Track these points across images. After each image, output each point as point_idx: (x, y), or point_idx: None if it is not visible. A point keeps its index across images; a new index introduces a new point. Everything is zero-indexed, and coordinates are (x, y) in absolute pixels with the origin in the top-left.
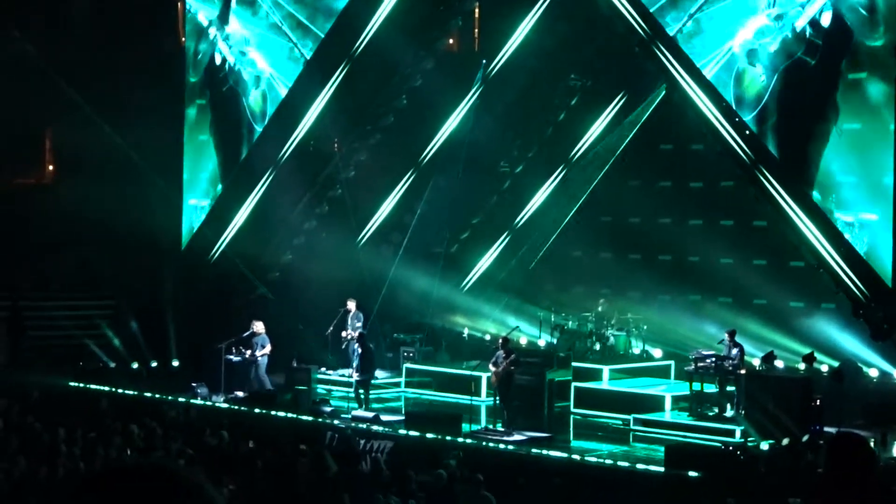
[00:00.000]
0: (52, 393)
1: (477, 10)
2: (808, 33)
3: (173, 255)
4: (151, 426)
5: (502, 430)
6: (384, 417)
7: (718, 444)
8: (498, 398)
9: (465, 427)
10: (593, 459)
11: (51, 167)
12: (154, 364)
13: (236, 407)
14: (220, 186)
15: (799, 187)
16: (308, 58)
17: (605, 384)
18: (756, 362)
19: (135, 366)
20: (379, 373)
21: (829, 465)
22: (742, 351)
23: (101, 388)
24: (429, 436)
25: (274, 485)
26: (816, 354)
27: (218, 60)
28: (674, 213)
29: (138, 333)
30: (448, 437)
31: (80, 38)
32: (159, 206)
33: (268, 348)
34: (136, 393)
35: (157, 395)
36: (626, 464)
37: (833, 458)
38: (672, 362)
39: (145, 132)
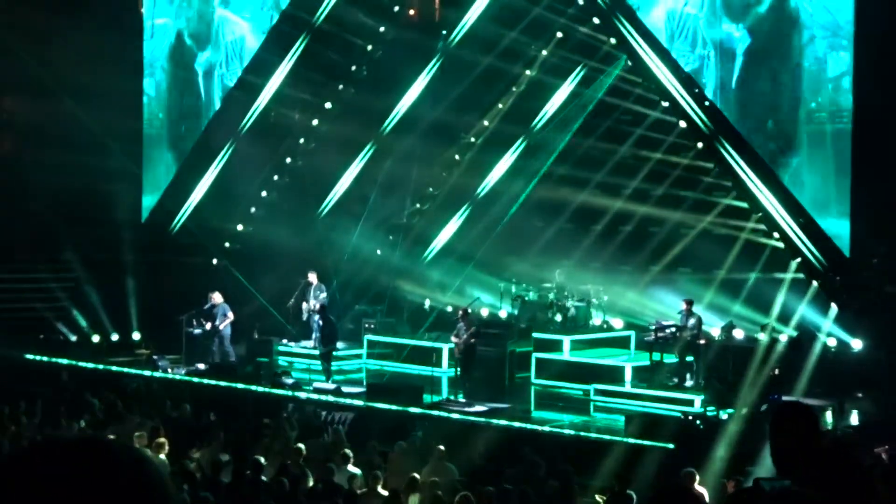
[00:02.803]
0: (13, 365)
1: None
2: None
3: (134, 228)
4: (112, 399)
5: (464, 401)
6: (345, 389)
7: (678, 414)
8: (459, 369)
9: (427, 398)
10: (552, 429)
11: (9, 138)
12: (115, 337)
13: (198, 379)
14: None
15: (757, 158)
16: (268, 28)
17: (565, 355)
18: (715, 332)
19: (95, 339)
20: (339, 344)
21: (772, 434)
22: (700, 321)
23: (62, 360)
24: (390, 407)
25: (236, 456)
26: (774, 325)
27: (178, 31)
28: (635, 184)
29: (99, 306)
30: (410, 409)
31: (38, 4)
32: (120, 179)
33: (230, 316)
34: (96, 365)
35: (118, 368)
36: (585, 432)
37: (775, 428)
38: (632, 333)
39: (105, 103)
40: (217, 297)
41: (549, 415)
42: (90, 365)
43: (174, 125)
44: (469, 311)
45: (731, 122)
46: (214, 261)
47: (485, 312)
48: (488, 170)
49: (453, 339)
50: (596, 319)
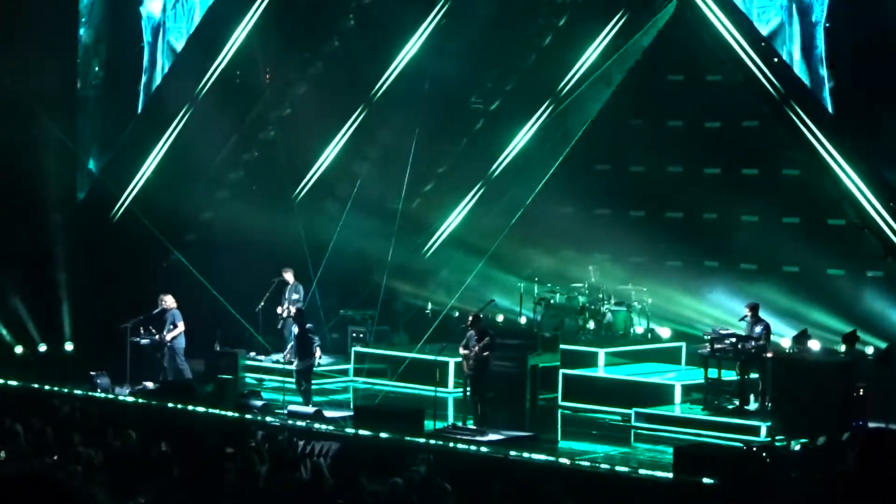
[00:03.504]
0: None
1: None
2: None
3: (66, 214)
4: (40, 425)
5: (474, 427)
6: (328, 413)
7: (739, 445)
8: (469, 389)
9: (429, 424)
10: (586, 463)
11: None
12: (43, 348)
13: (145, 401)
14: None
15: (840, 126)
16: None
17: (600, 371)
18: (786, 343)
19: (19, 350)
20: (321, 358)
21: (860, 465)
22: (768, 329)
23: None
24: (383, 435)
25: (193, 496)
26: (860, 333)
27: None
28: (686, 161)
29: (23, 309)
30: (407, 438)
31: None
32: (46, 150)
33: (179, 326)
34: (21, 384)
35: (48, 387)
36: (626, 469)
37: (864, 459)
38: (683, 344)
39: (30, 55)
40: (169, 301)
41: (581, 445)
42: (12, 383)
43: (116, 84)
44: (481, 316)
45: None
46: (168, 260)
47: (500, 319)
48: (505, 143)
49: (462, 351)
50: (638, 327)
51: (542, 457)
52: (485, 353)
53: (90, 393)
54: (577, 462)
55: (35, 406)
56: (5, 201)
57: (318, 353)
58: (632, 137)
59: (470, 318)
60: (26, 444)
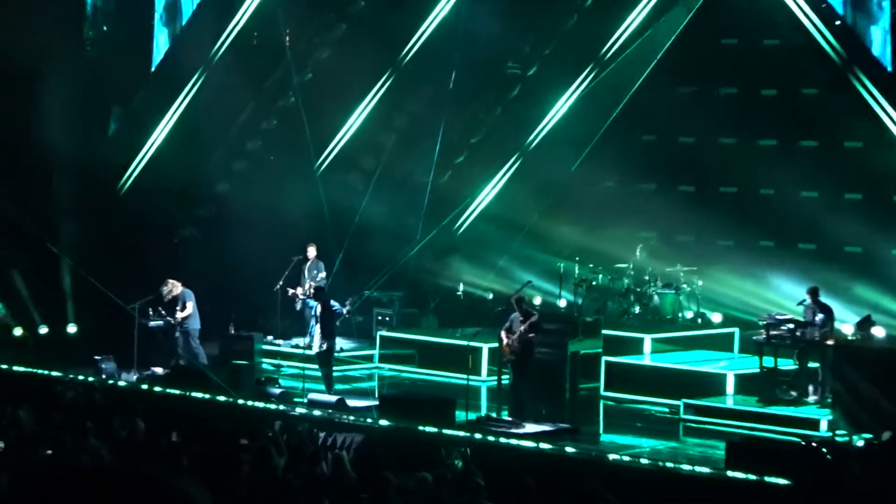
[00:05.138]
0: None
1: None
2: None
3: (69, 185)
4: (44, 412)
5: (510, 419)
6: (351, 402)
7: (797, 440)
8: (511, 376)
9: (460, 415)
10: (630, 459)
11: None
12: (45, 330)
13: (155, 388)
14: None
15: None
16: None
17: (646, 359)
18: (848, 330)
19: (18, 332)
20: (344, 342)
21: None
22: (830, 315)
23: None
24: (410, 427)
25: (205, 489)
26: None
27: None
28: (739, 132)
29: (23, 288)
30: (437, 429)
31: None
32: (48, 118)
33: (191, 307)
34: (20, 368)
35: (50, 372)
36: (673, 465)
37: None
38: (736, 330)
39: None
40: (173, 287)
41: (625, 439)
42: (13, 367)
43: (127, 46)
44: (523, 297)
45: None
46: (179, 235)
47: (538, 302)
48: (543, 112)
49: (503, 334)
50: (687, 312)
51: (583, 451)
52: (529, 337)
53: (96, 379)
54: (620, 457)
55: (36, 392)
56: (8, 172)
57: (347, 306)
58: (681, 106)
59: (513, 300)
60: (29, 432)
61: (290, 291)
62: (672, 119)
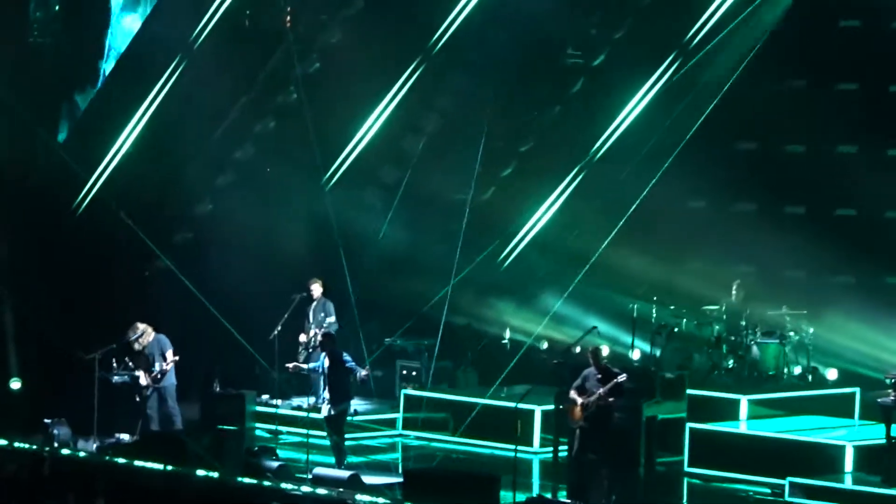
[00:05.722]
0: None
1: None
2: None
3: (14, 204)
4: None
5: (568, 502)
6: (367, 480)
7: None
8: (577, 447)
9: (506, 497)
10: None
11: None
12: None
13: (120, 459)
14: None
15: None
16: None
17: (742, 426)
18: None
19: None
20: (359, 403)
21: None
22: None
23: None
24: None
25: None
26: None
27: None
28: (862, 138)
29: None
30: None
31: None
32: None
33: (169, 356)
34: None
35: None
36: None
37: None
38: (856, 390)
39: None
40: (144, 333)
41: None
42: None
43: (82, 27)
44: (599, 350)
45: None
46: (151, 267)
47: (606, 352)
48: (613, 112)
49: (574, 395)
50: (795, 367)
51: None
52: (609, 401)
53: (45, 449)
54: None
55: None
56: None
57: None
58: (788, 106)
59: (590, 351)
60: None
61: (302, 337)
62: (777, 122)
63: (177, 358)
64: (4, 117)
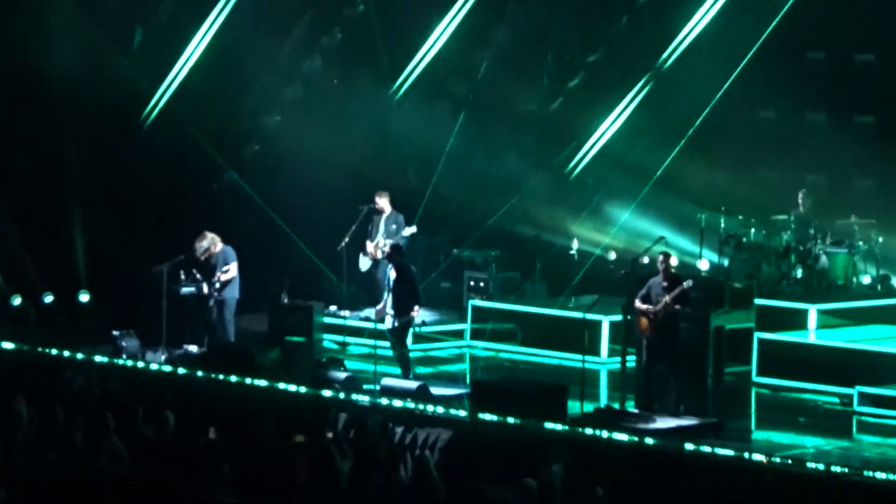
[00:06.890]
0: None
1: None
2: None
3: (78, 117)
4: (46, 404)
5: (638, 412)
6: (435, 390)
7: None
8: (645, 358)
9: (574, 406)
10: (789, 462)
11: None
12: (50, 298)
13: (188, 371)
14: None
15: None
16: None
17: (811, 336)
18: None
19: (17, 301)
20: (427, 314)
21: None
22: None
23: None
24: (511, 421)
25: (251, 500)
26: None
27: None
28: None
29: (22, 246)
30: (545, 424)
31: None
32: (49, 33)
33: (232, 268)
34: (19, 346)
35: (56, 351)
36: (844, 468)
37: None
38: None
39: None
40: (213, 243)
41: (783, 437)
42: (9, 346)
43: None
44: (669, 256)
45: None
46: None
47: (674, 263)
48: (681, 21)
49: (640, 305)
50: (864, 276)
51: (730, 452)
52: (675, 309)
53: (112, 360)
54: (776, 459)
55: (38, 379)
56: (4, 104)
57: (416, 310)
58: (859, 14)
59: (660, 258)
60: (30, 430)
61: (369, 249)
62: (848, 31)
63: (233, 271)
64: (75, 32)
